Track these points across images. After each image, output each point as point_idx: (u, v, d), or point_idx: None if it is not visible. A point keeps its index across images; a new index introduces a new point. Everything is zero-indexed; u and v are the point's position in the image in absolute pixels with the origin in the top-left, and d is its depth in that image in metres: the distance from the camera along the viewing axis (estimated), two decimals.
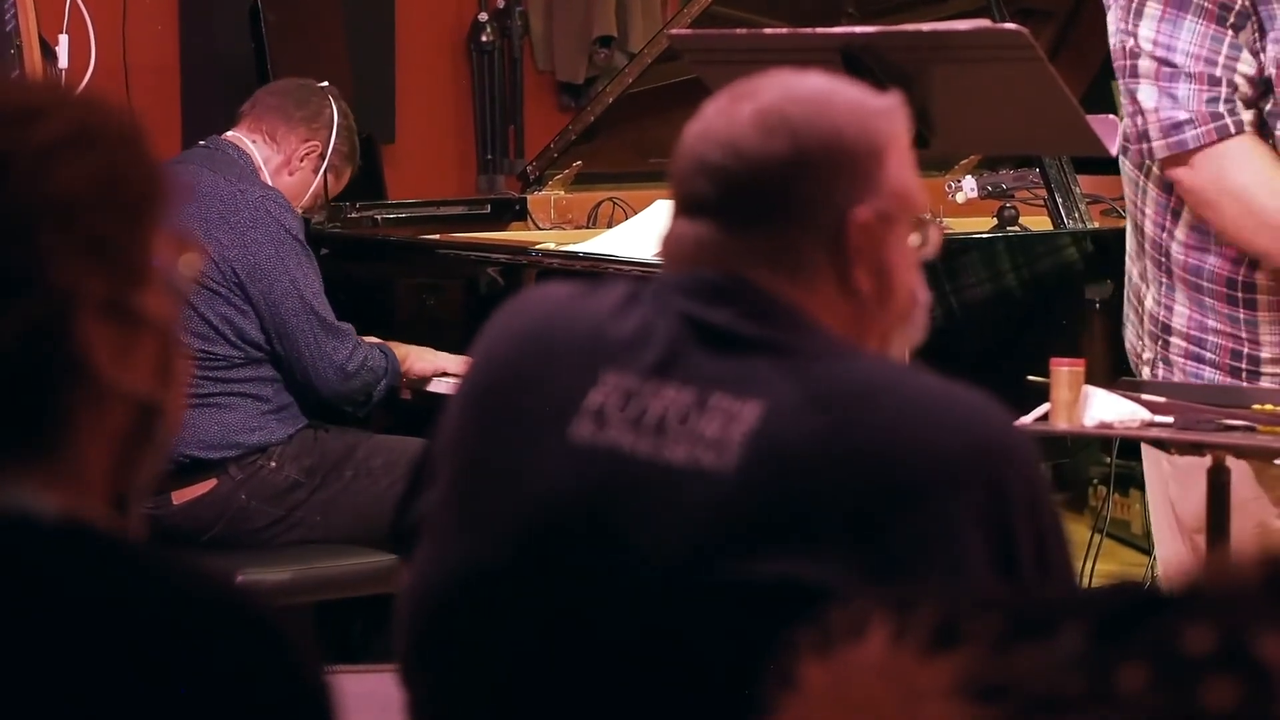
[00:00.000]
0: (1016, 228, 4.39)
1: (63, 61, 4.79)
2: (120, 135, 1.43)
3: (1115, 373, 3.29)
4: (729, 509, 1.83)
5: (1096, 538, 4.31)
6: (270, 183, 4.45)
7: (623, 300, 1.96)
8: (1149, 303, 3.21)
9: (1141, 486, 3.44)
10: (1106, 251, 4.01)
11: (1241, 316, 3.11)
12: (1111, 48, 3.12)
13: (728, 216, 1.93)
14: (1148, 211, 3.17)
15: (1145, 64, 3.05)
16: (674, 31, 4.45)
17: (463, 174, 6.74)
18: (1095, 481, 5.45)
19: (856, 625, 0.96)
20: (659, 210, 4.19)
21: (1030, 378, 2.89)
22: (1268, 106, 3.05)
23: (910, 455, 1.83)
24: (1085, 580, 4.14)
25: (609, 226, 4.88)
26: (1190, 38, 3.02)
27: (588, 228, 5.10)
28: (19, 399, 1.37)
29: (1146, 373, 3.22)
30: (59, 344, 1.37)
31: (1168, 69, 3.03)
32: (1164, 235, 3.15)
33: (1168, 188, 3.13)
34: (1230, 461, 2.88)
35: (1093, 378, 2.87)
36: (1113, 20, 3.11)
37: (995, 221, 4.41)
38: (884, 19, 4.52)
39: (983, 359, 4.10)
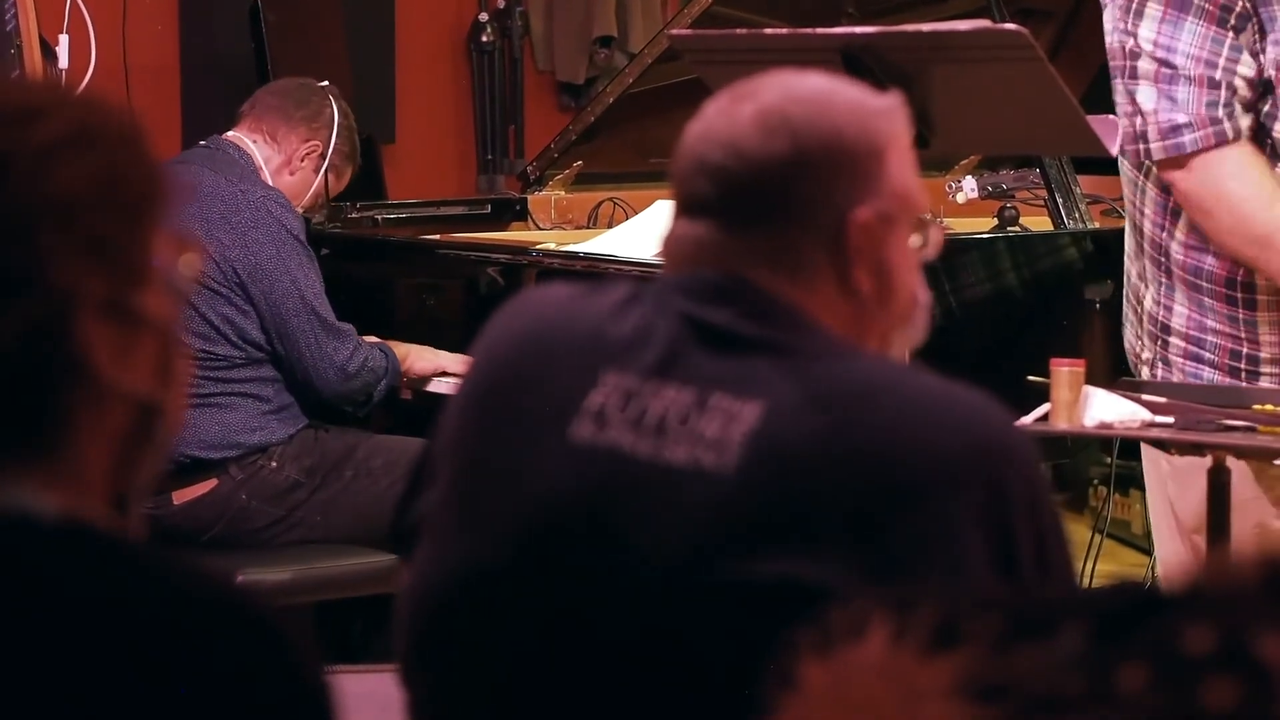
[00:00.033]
0: (1017, 228, 4.39)
1: (63, 61, 4.79)
2: (120, 135, 1.43)
3: (1115, 373, 3.29)
4: (729, 509, 1.83)
5: (1097, 538, 4.31)
6: (271, 183, 4.45)
7: (623, 300, 1.96)
8: (1148, 303, 3.21)
9: (1142, 487, 3.44)
10: (1107, 252, 4.01)
11: (1240, 316, 3.11)
12: (1108, 46, 3.12)
13: (728, 217, 1.93)
14: (1146, 211, 3.17)
15: (1145, 65, 3.05)
16: (674, 31, 4.45)
17: (463, 174, 6.74)
18: (1095, 482, 5.45)
19: (856, 625, 0.96)
20: (659, 210, 4.19)
21: (1030, 378, 2.89)
22: (1265, 108, 3.05)
23: (910, 455, 1.83)
24: (1085, 580, 4.14)
25: (609, 227, 4.88)
26: (1191, 39, 3.02)
27: (588, 228, 5.10)
28: (19, 399, 1.37)
29: (1145, 373, 3.23)
30: (59, 344, 1.37)
31: (1167, 71, 3.03)
32: (1163, 235, 3.15)
33: (1166, 188, 3.13)
34: (1230, 462, 2.88)
35: (1093, 378, 2.87)
36: (1110, 19, 3.11)
37: (995, 222, 4.41)
38: (884, 19, 4.52)
39: (983, 359, 4.10)
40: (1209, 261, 3.11)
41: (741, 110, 1.93)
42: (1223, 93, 3.02)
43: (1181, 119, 3.03)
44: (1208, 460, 2.88)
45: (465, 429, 2.01)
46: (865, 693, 0.95)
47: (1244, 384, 3.10)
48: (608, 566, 1.86)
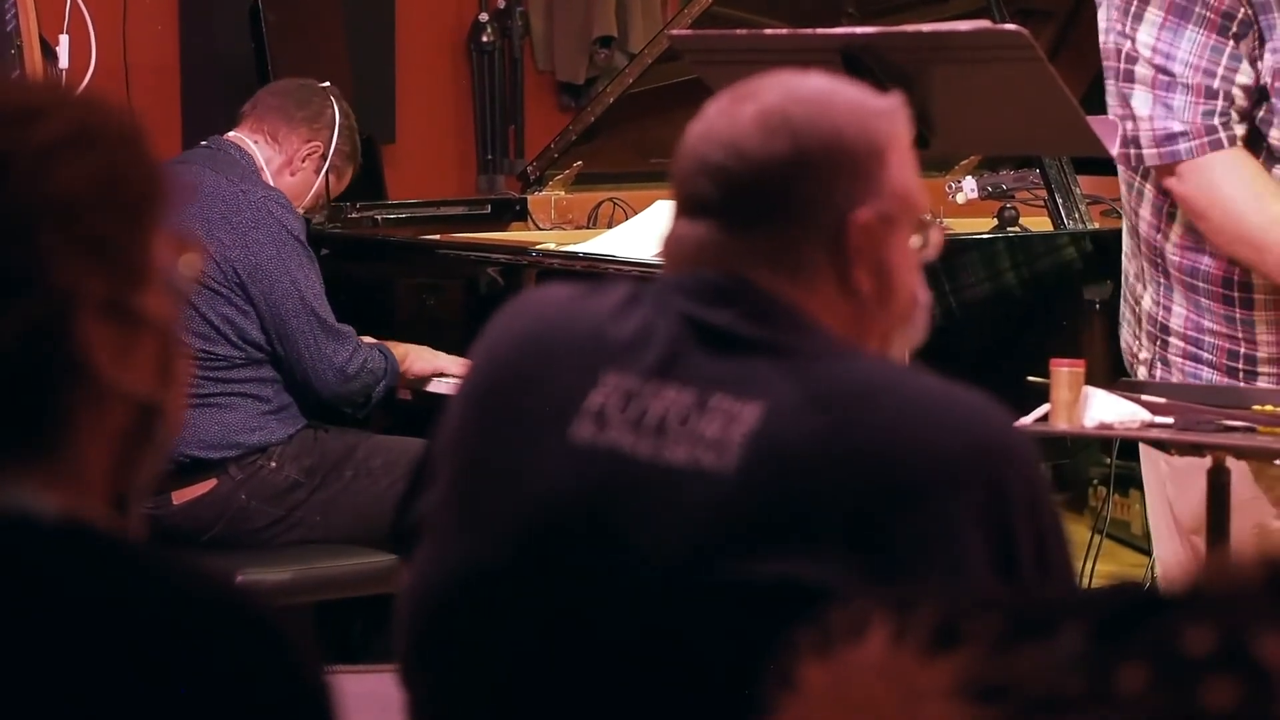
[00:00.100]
0: (1016, 228, 4.39)
1: (63, 61, 4.79)
2: (120, 135, 1.43)
3: (1115, 373, 3.29)
4: (729, 509, 1.83)
5: (1096, 538, 4.31)
6: (272, 183, 4.46)
7: (623, 301, 1.96)
8: (1146, 303, 3.21)
9: (1141, 487, 3.44)
10: (1106, 252, 4.01)
11: (1238, 316, 3.11)
12: (1103, 47, 3.11)
13: (729, 217, 1.93)
14: (1143, 213, 3.17)
15: (1142, 70, 3.05)
16: (674, 32, 4.45)
17: (463, 174, 6.74)
18: (1095, 482, 5.45)
19: (856, 626, 0.96)
20: (659, 210, 4.19)
21: (1030, 378, 2.89)
22: (1260, 114, 3.05)
23: (910, 455, 1.83)
24: (1085, 581, 4.14)
25: (609, 227, 4.88)
26: (1191, 47, 3.02)
27: (588, 228, 5.10)
28: (19, 399, 1.37)
29: (1143, 372, 3.23)
30: (59, 344, 1.37)
31: (1165, 78, 3.03)
32: (1158, 236, 3.15)
33: (1163, 189, 3.13)
34: (1229, 462, 2.88)
35: (1092, 378, 2.87)
36: (1105, 19, 3.10)
37: (995, 222, 4.41)
38: (884, 19, 4.52)
39: (983, 359, 4.10)
40: (1205, 262, 3.11)
41: (742, 110, 1.93)
42: (1220, 102, 3.02)
43: (1177, 127, 3.03)
44: (1207, 461, 2.88)
45: (465, 429, 2.01)
46: (865, 693, 0.95)
47: (1242, 384, 3.10)
48: (608, 567, 1.86)
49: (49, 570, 1.34)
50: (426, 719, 2.00)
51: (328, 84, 4.65)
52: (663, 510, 1.85)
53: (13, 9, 4.44)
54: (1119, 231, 3.38)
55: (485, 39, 6.69)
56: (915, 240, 1.98)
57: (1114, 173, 3.30)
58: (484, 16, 6.69)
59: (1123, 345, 3.31)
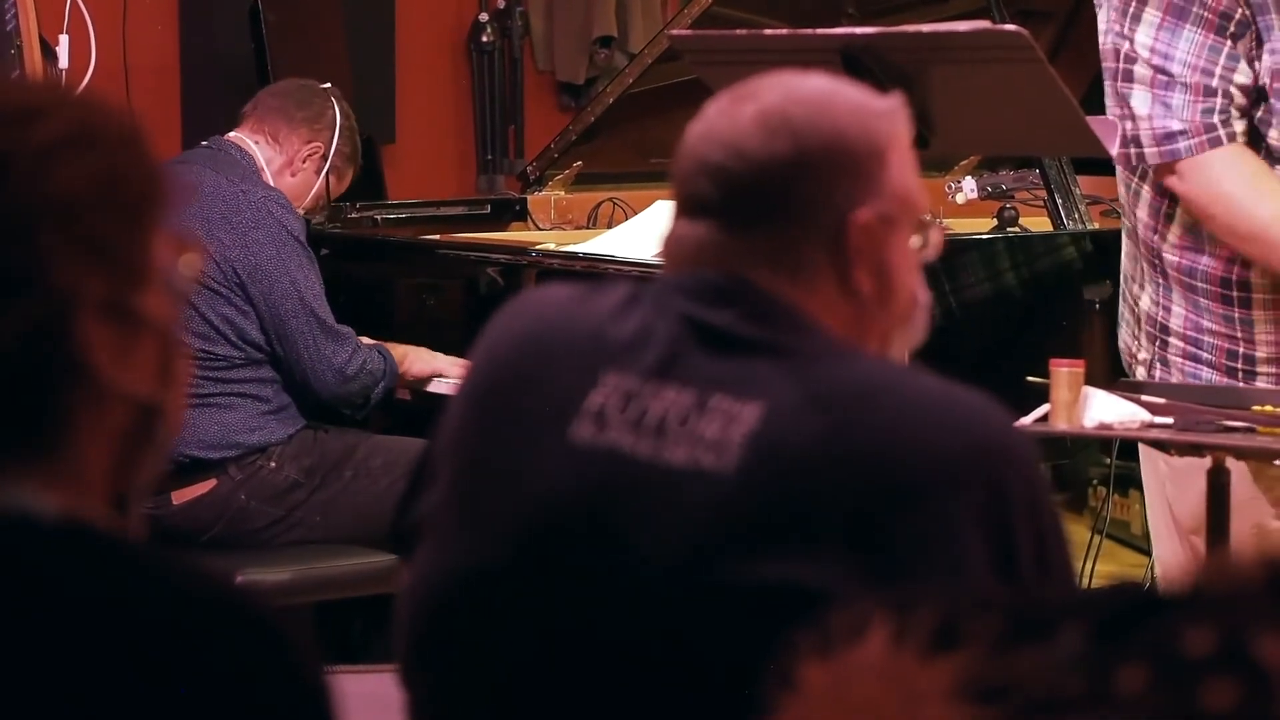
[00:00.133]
0: (1016, 228, 4.39)
1: (63, 61, 4.79)
2: (120, 136, 1.43)
3: (1115, 373, 3.29)
4: (729, 510, 1.83)
5: (1096, 538, 4.31)
6: (272, 183, 4.45)
7: (623, 301, 1.96)
8: (1145, 303, 3.21)
9: (1141, 487, 3.44)
10: (1106, 252, 4.01)
11: (1236, 316, 3.11)
12: (1102, 48, 3.12)
13: (729, 217, 1.93)
14: (1140, 214, 3.18)
15: (1141, 70, 3.05)
16: (674, 32, 4.45)
17: (463, 174, 6.74)
18: (1095, 482, 5.45)
19: (856, 626, 0.96)
20: (659, 211, 4.19)
21: (1030, 378, 2.89)
22: (1258, 114, 3.05)
23: (910, 456, 1.83)
24: (1085, 581, 4.14)
25: (609, 227, 4.88)
26: (1189, 47, 3.02)
27: (588, 228, 5.10)
28: (19, 399, 1.37)
29: (1141, 373, 3.23)
30: (59, 344, 1.37)
31: (1163, 77, 3.03)
32: (1155, 237, 3.16)
33: (1161, 190, 3.13)
34: (1229, 462, 2.88)
35: (1092, 378, 2.87)
36: (1104, 20, 3.11)
37: (995, 222, 4.41)
38: (884, 20, 4.52)
39: (982, 359, 4.10)
40: (1204, 262, 3.11)
41: (743, 111, 1.93)
42: (1219, 100, 3.02)
43: (1176, 125, 3.03)
44: (1206, 461, 2.88)
45: (465, 429, 2.01)
46: (865, 694, 0.95)
47: (1241, 384, 3.10)
48: (607, 567, 1.86)
49: (49, 570, 1.34)
50: (426, 719, 2.00)
51: (329, 85, 4.66)
52: (662, 511, 1.85)
53: (12, 9, 4.44)
54: (1119, 232, 3.38)
55: (485, 39, 6.69)
56: (915, 240, 1.98)
57: (1113, 173, 3.30)
58: (484, 16, 6.69)
59: (1121, 346, 3.31)
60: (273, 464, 4.28)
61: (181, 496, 4.22)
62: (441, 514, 1.99)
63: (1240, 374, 3.12)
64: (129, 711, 1.30)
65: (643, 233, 4.34)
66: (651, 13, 6.94)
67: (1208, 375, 3.14)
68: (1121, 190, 3.23)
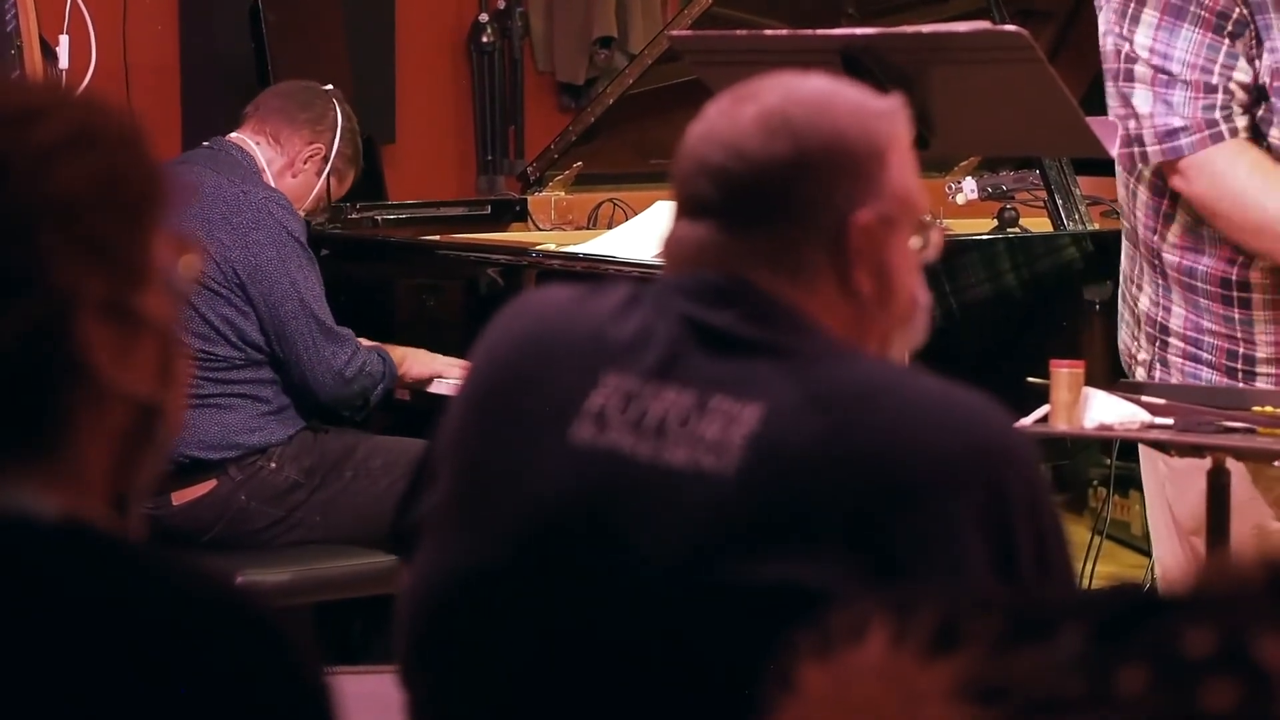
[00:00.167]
0: (1016, 229, 4.39)
1: (63, 62, 4.79)
2: (120, 136, 1.43)
3: (1115, 374, 3.29)
4: (729, 511, 1.83)
5: (1096, 539, 4.31)
6: (273, 184, 4.45)
7: (623, 302, 1.96)
8: (1144, 304, 3.21)
9: (1141, 488, 3.44)
10: (1106, 253, 4.01)
11: (1236, 317, 3.11)
12: (1102, 50, 3.12)
13: (729, 218, 1.93)
14: (1139, 215, 3.18)
15: (1141, 70, 3.05)
16: (674, 32, 4.44)
17: (463, 175, 6.74)
18: (1095, 483, 5.45)
19: (856, 627, 0.96)
20: (659, 211, 4.19)
21: (1030, 379, 2.89)
22: (1259, 113, 3.05)
23: (910, 456, 1.83)
24: (1085, 582, 4.14)
25: (609, 227, 4.88)
26: (1187, 46, 3.02)
27: (588, 229, 5.10)
28: (19, 399, 1.37)
29: (1141, 373, 3.23)
30: (59, 344, 1.37)
31: (1164, 76, 3.03)
32: (1155, 238, 3.16)
33: (1159, 190, 3.13)
34: (1229, 463, 2.88)
35: (1092, 379, 2.87)
36: (1104, 22, 3.11)
37: (995, 223, 4.41)
38: (884, 20, 4.52)
39: (982, 360, 4.10)
40: (1203, 262, 3.11)
41: (743, 112, 1.93)
42: (1219, 96, 3.02)
43: (1177, 123, 3.03)
44: (1206, 462, 2.88)
45: (466, 430, 2.01)
46: (865, 695, 0.95)
47: (1241, 384, 3.10)
48: (608, 568, 1.87)
49: (49, 571, 1.34)
50: (426, 719, 2.00)
51: (331, 87, 4.66)
52: (663, 511, 1.85)
53: (13, 9, 4.44)
54: (1119, 232, 3.38)
55: (485, 39, 6.69)
56: (915, 241, 1.98)
57: (1113, 174, 3.30)
58: (484, 17, 6.69)
59: (1121, 347, 3.31)
60: (273, 464, 4.28)
61: (181, 497, 4.22)
62: (441, 515, 1.99)
63: (1240, 374, 3.12)
64: (129, 711, 1.30)
65: (643, 233, 4.34)
66: (651, 13, 6.94)
67: (1207, 376, 3.14)
68: (1121, 191, 3.23)
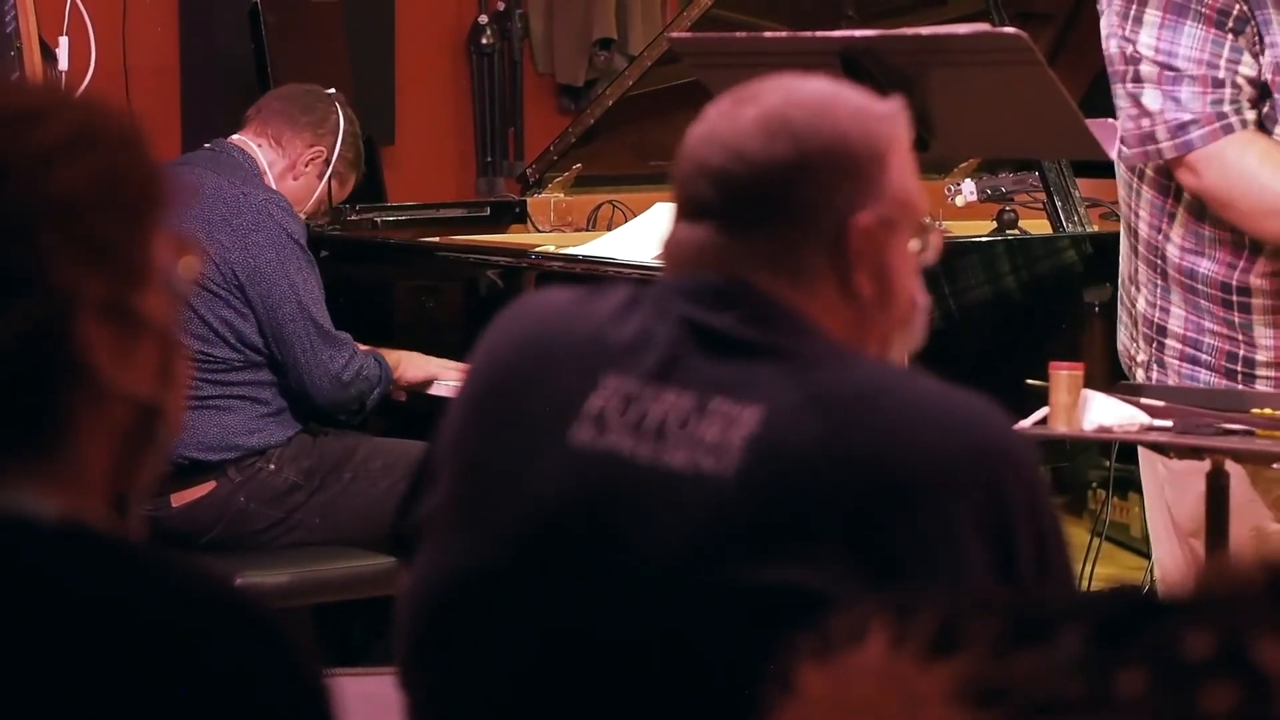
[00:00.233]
0: (1016, 231, 4.39)
1: (63, 63, 4.79)
2: (120, 137, 1.43)
3: (1114, 376, 3.29)
4: (729, 513, 1.83)
5: (1095, 541, 4.31)
6: (274, 187, 4.45)
7: (623, 304, 1.96)
8: (1141, 305, 3.21)
9: (1140, 490, 3.44)
10: (1105, 255, 4.01)
11: (1237, 320, 3.11)
12: (1107, 53, 3.12)
13: (729, 220, 1.93)
14: (1142, 214, 3.18)
15: (1147, 69, 3.05)
16: (674, 34, 4.44)
17: (462, 176, 6.74)
18: (1094, 485, 5.45)
19: (856, 629, 0.96)
20: (659, 213, 4.19)
21: (1029, 381, 2.89)
22: (1265, 109, 3.05)
23: (910, 458, 1.83)
24: (1084, 584, 4.14)
25: (609, 229, 4.88)
26: (1191, 43, 3.02)
27: (587, 230, 5.10)
28: (19, 400, 1.37)
29: (1140, 375, 3.23)
30: (59, 345, 1.37)
31: (1170, 73, 3.03)
32: (1159, 238, 3.15)
33: (1163, 190, 3.13)
34: (1228, 465, 2.88)
35: (1091, 381, 2.87)
36: (1107, 25, 3.11)
37: (995, 225, 4.41)
38: (883, 22, 4.52)
39: (982, 362, 4.10)
40: (1204, 265, 3.11)
41: (743, 113, 1.93)
42: (1227, 90, 3.02)
43: (1188, 117, 3.03)
44: (1205, 464, 2.88)
45: (466, 432, 2.01)
46: (865, 697, 0.95)
47: (1241, 387, 3.10)
48: (607, 570, 1.87)
49: (49, 571, 1.34)
50: None
51: (333, 90, 4.66)
52: (662, 513, 1.85)
53: (12, 10, 4.44)
54: (1118, 234, 3.38)
55: (485, 41, 6.68)
56: (914, 244, 1.98)
57: (1113, 176, 3.30)
58: (484, 18, 6.69)
59: (1120, 348, 3.31)
60: (272, 466, 4.28)
61: (181, 499, 4.22)
62: (442, 516, 1.99)
63: (1240, 376, 3.12)
64: (129, 712, 1.30)
65: (643, 235, 4.34)
66: (651, 15, 6.94)
67: (1205, 377, 3.14)
68: (1122, 191, 3.23)
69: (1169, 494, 3.21)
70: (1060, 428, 2.83)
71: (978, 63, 3.01)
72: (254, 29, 5.55)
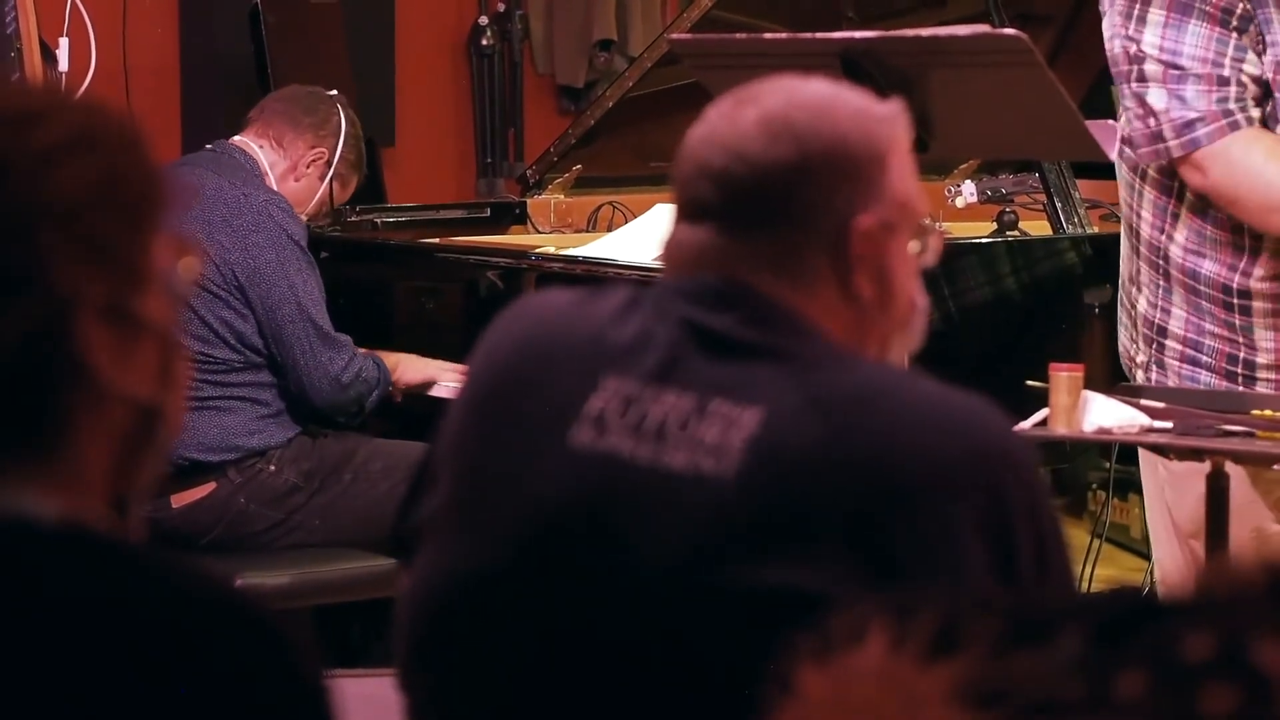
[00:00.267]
0: (1016, 232, 4.39)
1: (63, 64, 4.79)
2: (120, 138, 1.43)
3: (1114, 378, 3.29)
4: (729, 514, 1.83)
5: (1095, 542, 4.31)
6: (275, 188, 4.45)
7: (623, 305, 1.96)
8: (1142, 305, 3.21)
9: (1140, 491, 3.44)
10: (1105, 256, 4.01)
11: (1238, 322, 3.11)
12: (1110, 53, 3.12)
13: (730, 221, 1.93)
14: (1144, 214, 3.17)
15: (1152, 68, 3.05)
16: (674, 35, 4.44)
17: (462, 177, 6.74)
18: (1094, 486, 5.45)
19: (856, 630, 0.96)
20: (659, 214, 4.19)
21: (1029, 383, 2.89)
22: (1268, 109, 3.05)
23: (910, 460, 1.83)
24: (1084, 585, 4.14)
25: (609, 230, 4.88)
26: (1195, 41, 3.02)
27: (587, 231, 5.10)
28: (19, 401, 1.37)
29: (1140, 376, 3.23)
30: (59, 346, 1.37)
31: (1175, 72, 3.03)
32: (1161, 238, 3.15)
33: (1166, 190, 3.13)
34: (1228, 467, 2.88)
35: (1091, 383, 2.87)
36: (1110, 26, 3.11)
37: (995, 226, 4.41)
38: (883, 23, 4.52)
39: (982, 364, 4.10)
40: (1207, 266, 3.11)
41: (744, 115, 1.93)
42: (1232, 88, 3.02)
43: (1193, 115, 3.03)
44: (1205, 465, 2.88)
45: (466, 434, 2.01)
46: (864, 698, 0.95)
47: (1241, 389, 3.10)
48: (608, 571, 1.87)
49: (49, 572, 1.34)
50: None
51: (335, 92, 4.66)
52: (662, 515, 1.85)
53: (12, 11, 4.44)
54: (1118, 236, 3.38)
55: (485, 42, 6.68)
56: (914, 245, 1.98)
57: (1113, 177, 3.30)
58: (484, 20, 6.69)
59: (1121, 349, 3.31)
60: (272, 467, 4.28)
61: (180, 500, 4.22)
62: (442, 518, 1.99)
63: (1240, 378, 3.12)
64: (129, 712, 1.30)
65: (643, 236, 4.34)
66: (651, 16, 6.94)
67: (1205, 379, 3.14)
68: (1124, 192, 3.22)
69: (1169, 495, 3.21)
70: (1060, 429, 2.83)
71: (978, 64, 3.01)
72: (254, 30, 5.55)
